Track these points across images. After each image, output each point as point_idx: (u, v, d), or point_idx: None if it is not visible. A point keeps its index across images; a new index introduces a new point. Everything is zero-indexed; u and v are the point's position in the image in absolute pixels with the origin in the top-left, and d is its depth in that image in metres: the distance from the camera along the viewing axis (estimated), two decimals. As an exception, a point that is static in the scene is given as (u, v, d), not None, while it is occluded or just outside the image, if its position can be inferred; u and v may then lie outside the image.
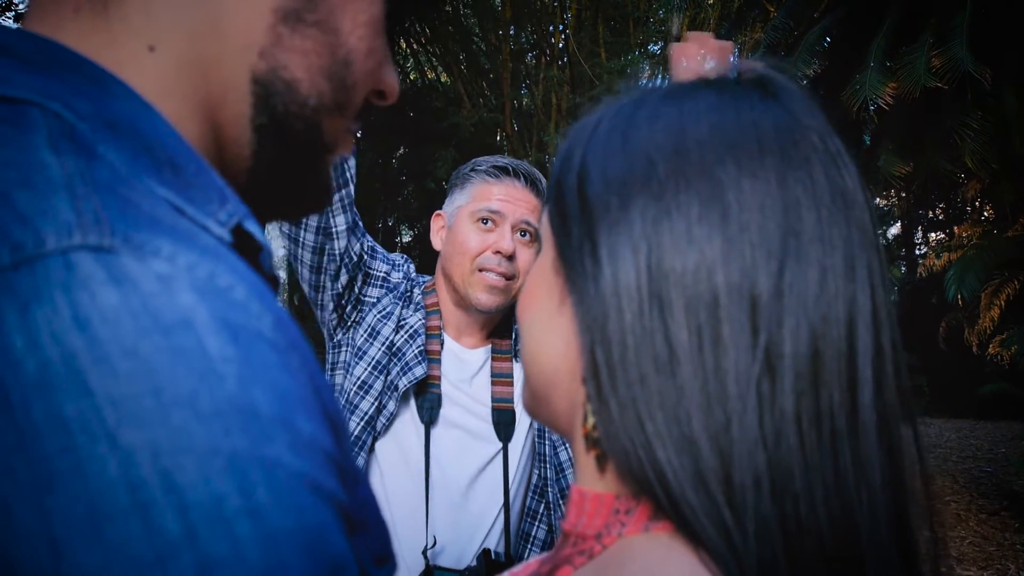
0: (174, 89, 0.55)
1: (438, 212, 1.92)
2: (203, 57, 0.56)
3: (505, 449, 1.78)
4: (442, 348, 1.84)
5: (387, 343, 1.78)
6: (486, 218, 1.77)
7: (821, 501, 0.51)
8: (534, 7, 12.49)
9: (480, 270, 1.76)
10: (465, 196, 1.82)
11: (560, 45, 12.63)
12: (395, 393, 1.74)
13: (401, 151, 14.39)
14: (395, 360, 1.77)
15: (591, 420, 0.58)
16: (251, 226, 0.54)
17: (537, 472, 1.85)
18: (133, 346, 0.38)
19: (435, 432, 1.76)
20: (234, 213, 0.53)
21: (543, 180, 1.80)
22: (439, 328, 1.85)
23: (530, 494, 1.85)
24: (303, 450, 0.42)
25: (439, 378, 1.79)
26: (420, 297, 1.88)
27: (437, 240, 1.90)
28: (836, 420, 0.53)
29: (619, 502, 0.58)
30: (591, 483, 0.62)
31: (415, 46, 13.35)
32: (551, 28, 12.83)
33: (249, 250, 0.54)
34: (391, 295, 1.84)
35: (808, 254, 0.54)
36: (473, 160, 1.88)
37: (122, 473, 0.36)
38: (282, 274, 7.85)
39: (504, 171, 1.80)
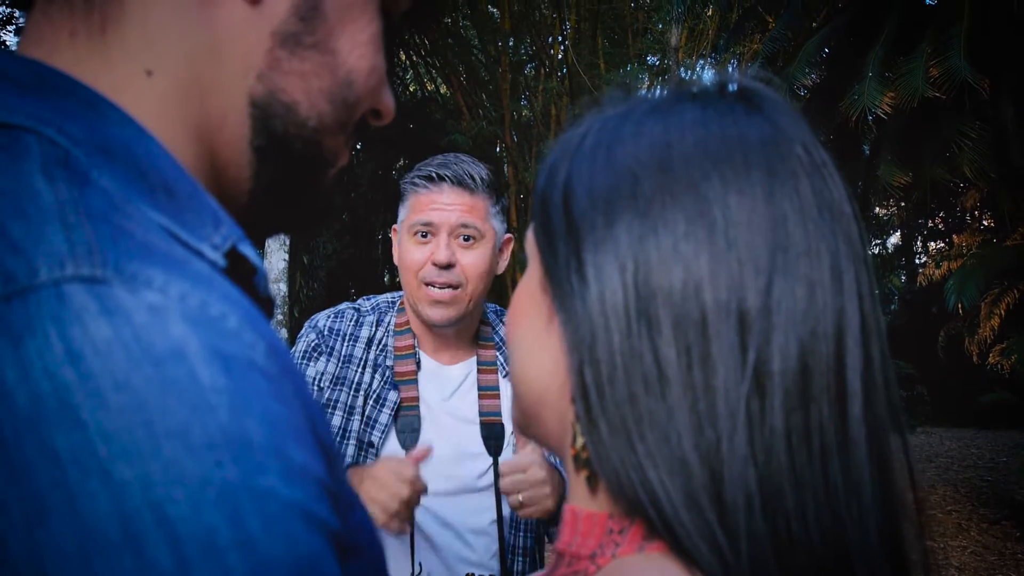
0: (171, 113, 0.55)
1: (394, 227, 1.88)
2: (201, 81, 0.56)
3: (495, 464, 1.73)
4: (419, 367, 1.80)
5: (340, 406, 1.75)
6: (422, 231, 1.74)
7: (813, 517, 0.51)
8: (533, 19, 12.53)
9: (425, 284, 1.73)
10: (405, 209, 1.80)
11: (559, 57, 12.66)
12: (372, 450, 1.71)
13: (401, 162, 14.39)
14: (353, 417, 1.74)
15: (580, 440, 0.58)
16: (245, 249, 0.54)
17: None
18: (125, 379, 0.38)
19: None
20: (228, 236, 0.53)
21: (476, 175, 1.76)
22: (412, 347, 1.82)
23: None
24: (295, 479, 0.41)
25: (416, 399, 1.75)
26: (391, 317, 1.85)
27: (396, 255, 1.86)
28: (826, 435, 0.52)
29: (612, 521, 0.58)
30: (583, 502, 0.61)
31: (415, 58, 13.38)
32: (550, 40, 12.86)
33: (244, 272, 0.54)
34: (322, 361, 1.79)
35: (796, 269, 0.54)
36: (414, 168, 1.83)
37: (114, 506, 0.36)
38: (282, 287, 7.84)
39: (430, 179, 1.74)
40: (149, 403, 0.38)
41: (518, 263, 11.91)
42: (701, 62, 12.65)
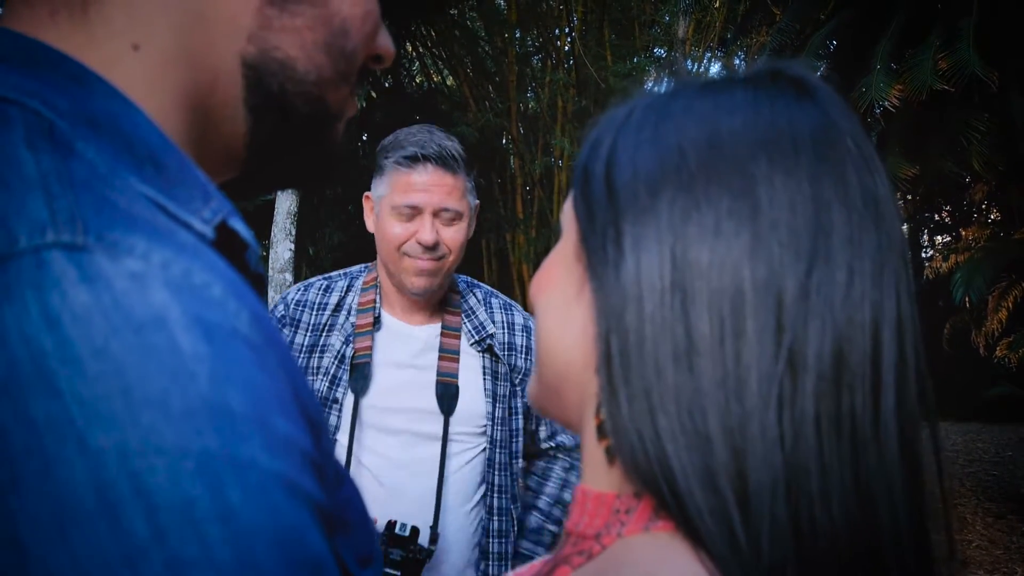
0: (160, 84, 0.55)
1: (367, 194, 1.96)
2: (190, 50, 0.55)
3: (446, 423, 1.85)
4: (378, 322, 1.92)
5: (311, 371, 1.90)
6: (406, 212, 1.82)
7: (838, 504, 0.51)
8: (540, 10, 12.49)
9: (407, 255, 1.83)
10: (384, 185, 1.86)
11: (566, 48, 12.63)
12: (336, 405, 1.85)
13: (407, 154, 14.34)
14: (319, 377, 1.87)
15: (603, 409, 0.57)
16: (236, 223, 0.54)
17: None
18: (103, 345, 0.37)
19: (372, 407, 1.84)
20: (218, 210, 0.52)
21: (456, 154, 1.83)
22: (373, 302, 1.93)
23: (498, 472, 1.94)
24: (278, 450, 0.41)
25: (368, 348, 1.87)
26: (361, 280, 1.98)
27: (369, 223, 1.95)
28: (858, 424, 0.52)
29: (619, 501, 0.58)
30: (595, 482, 0.61)
31: (421, 49, 13.36)
32: (557, 31, 12.83)
33: (234, 248, 0.54)
34: (286, 332, 1.93)
35: (837, 256, 0.53)
36: (389, 140, 1.90)
37: (90, 475, 0.35)
38: (288, 276, 7.84)
39: (415, 159, 1.81)
40: (128, 370, 0.37)
41: (523, 256, 11.90)
42: (708, 55, 12.61)
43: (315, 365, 1.89)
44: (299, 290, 1.98)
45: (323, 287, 1.98)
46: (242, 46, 0.57)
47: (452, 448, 1.87)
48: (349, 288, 1.97)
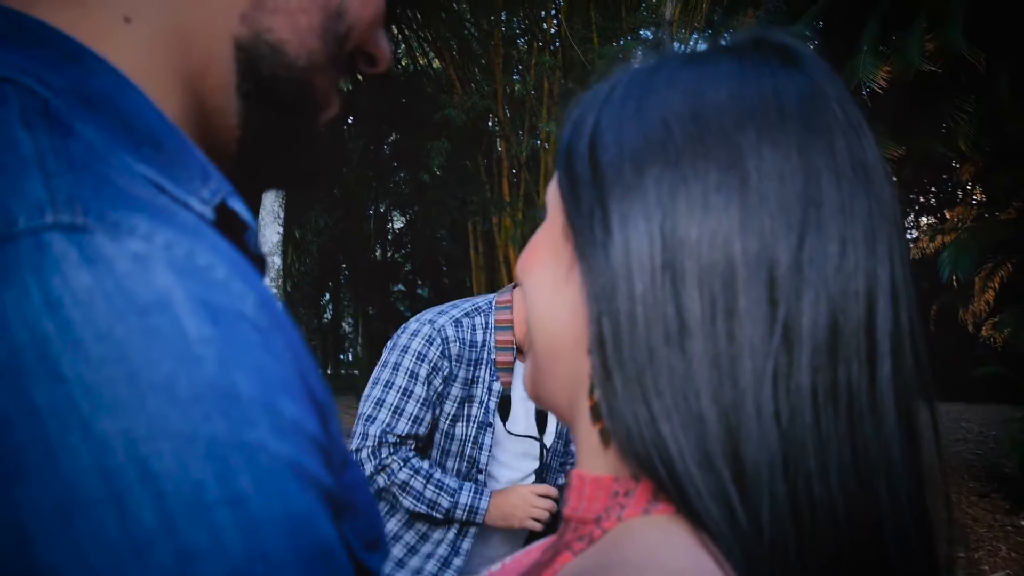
0: (153, 61, 0.54)
1: None
2: (182, 26, 0.54)
3: (542, 444, 2.30)
4: (515, 358, 2.24)
5: (465, 399, 2.24)
6: None
7: (836, 478, 0.50)
8: (526, -8, 12.43)
9: None
10: None
11: (552, 30, 12.59)
12: (489, 428, 2.24)
13: (393, 137, 14.35)
14: (474, 403, 2.24)
15: (597, 392, 0.56)
16: (235, 204, 0.53)
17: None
18: (107, 329, 0.37)
19: (507, 436, 2.27)
20: (217, 191, 0.51)
21: None
22: (511, 342, 2.24)
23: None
24: (286, 434, 0.40)
25: (510, 384, 2.23)
26: (492, 317, 2.27)
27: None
28: (854, 395, 0.51)
29: (618, 484, 0.57)
30: (591, 463, 0.60)
31: (406, 32, 13.31)
32: (543, 13, 12.79)
33: (234, 229, 0.53)
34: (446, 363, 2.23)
35: (828, 226, 0.52)
36: None
37: (95, 462, 0.35)
38: (276, 260, 7.82)
39: None
40: (132, 354, 0.37)
41: (510, 238, 11.90)
42: (695, 36, 12.59)
43: (469, 394, 2.22)
44: (449, 326, 2.20)
45: (472, 326, 2.23)
46: (235, 27, 0.56)
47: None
48: (486, 326, 2.24)
